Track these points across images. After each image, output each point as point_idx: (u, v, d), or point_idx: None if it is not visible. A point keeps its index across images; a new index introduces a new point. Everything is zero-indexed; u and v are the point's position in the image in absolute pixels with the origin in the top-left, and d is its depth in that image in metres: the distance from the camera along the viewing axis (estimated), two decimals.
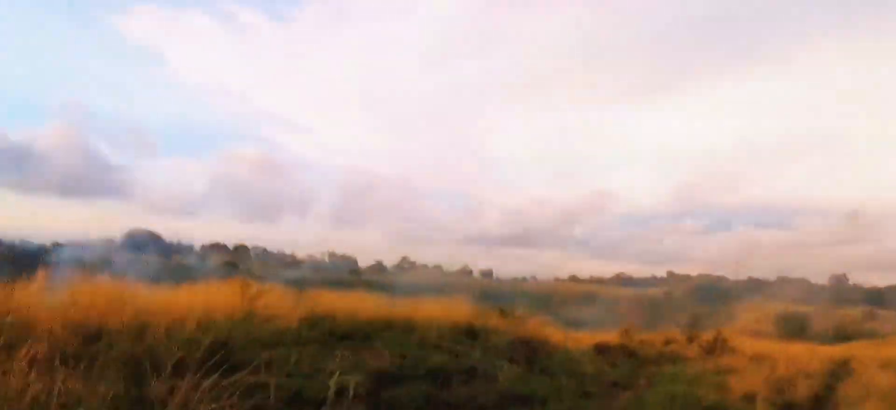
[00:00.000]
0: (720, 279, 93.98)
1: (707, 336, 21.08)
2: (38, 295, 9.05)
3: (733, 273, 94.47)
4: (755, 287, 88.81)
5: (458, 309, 13.28)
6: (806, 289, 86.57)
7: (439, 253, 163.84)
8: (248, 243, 76.04)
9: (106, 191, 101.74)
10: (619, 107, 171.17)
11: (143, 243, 54.36)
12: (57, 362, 5.82)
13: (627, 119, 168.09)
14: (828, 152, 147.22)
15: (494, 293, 68.76)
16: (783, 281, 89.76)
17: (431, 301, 13.88)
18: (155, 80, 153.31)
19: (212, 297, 9.66)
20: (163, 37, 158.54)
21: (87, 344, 6.94)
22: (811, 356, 16.19)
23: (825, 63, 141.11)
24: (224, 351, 7.00)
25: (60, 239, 59.26)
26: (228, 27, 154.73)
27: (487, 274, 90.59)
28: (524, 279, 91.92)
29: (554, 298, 75.59)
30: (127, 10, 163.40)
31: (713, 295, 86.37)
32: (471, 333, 11.72)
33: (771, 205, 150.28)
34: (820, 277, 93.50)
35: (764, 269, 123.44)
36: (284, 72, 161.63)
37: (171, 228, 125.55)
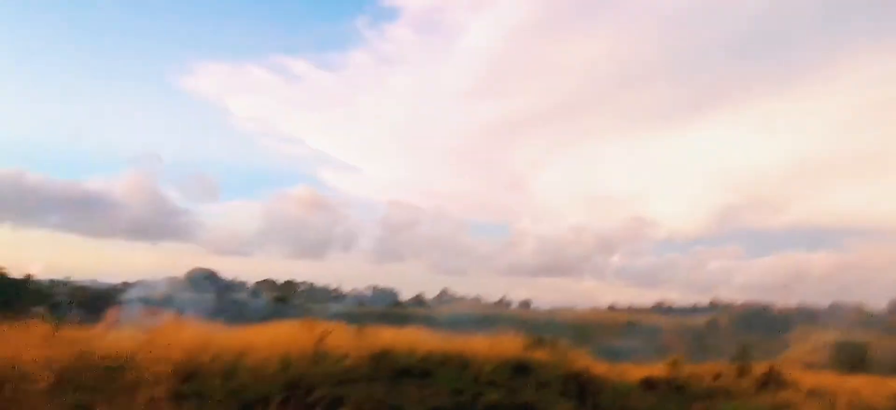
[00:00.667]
0: (768, 306, 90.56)
1: (759, 368, 20.53)
2: (129, 336, 9.93)
3: (782, 299, 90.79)
4: (806, 314, 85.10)
5: (508, 344, 13.66)
6: (862, 316, 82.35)
7: (478, 284, 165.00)
8: (297, 278, 78.91)
9: (171, 234, 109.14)
10: (656, 131, 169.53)
11: (202, 281, 56.79)
12: (167, 401, 6.56)
13: (665, 142, 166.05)
14: (880, 169, 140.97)
15: (533, 323, 68.27)
16: (837, 308, 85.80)
17: (481, 336, 14.26)
18: (217, 129, 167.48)
19: (282, 337, 10.37)
20: (224, 90, 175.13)
21: (183, 382, 7.67)
22: (874, 390, 15.66)
23: (875, 77, 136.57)
24: (303, 389, 7.65)
25: (129, 280, 62.67)
26: (282, 77, 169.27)
27: (525, 304, 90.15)
28: (562, 309, 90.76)
29: (593, 328, 74.37)
30: (193, 68, 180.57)
31: (760, 323, 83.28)
32: (522, 368, 12.07)
33: (820, 227, 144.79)
34: (877, 302, 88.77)
35: (815, 295, 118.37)
36: (333, 115, 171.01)
37: (229, 266, 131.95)
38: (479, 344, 13.39)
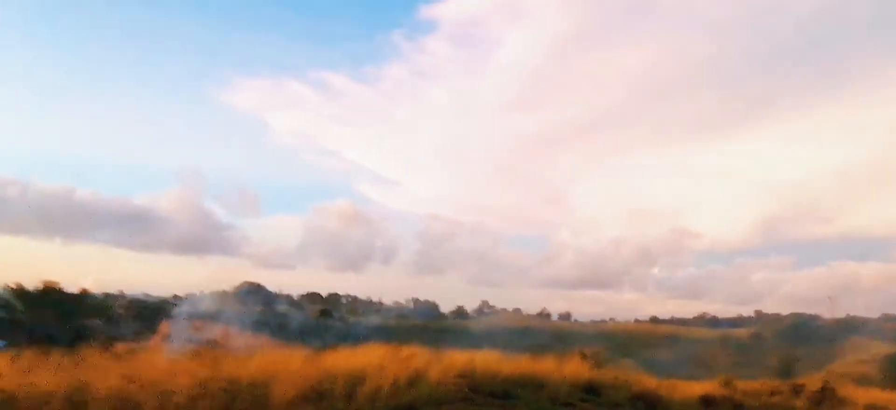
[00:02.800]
0: (814, 318, 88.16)
1: (812, 383, 20.63)
2: (233, 359, 11.12)
3: (829, 311, 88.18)
4: (855, 326, 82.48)
5: (576, 364, 14.45)
6: None
7: (517, 296, 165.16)
8: (340, 291, 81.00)
9: (217, 248, 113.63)
10: (697, 142, 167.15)
11: (249, 295, 59.03)
12: None
13: (707, 153, 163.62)
14: None
15: (575, 336, 68.32)
16: (887, 319, 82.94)
17: (549, 356, 15.10)
18: (259, 144, 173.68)
19: (374, 360, 11.44)
20: (264, 105, 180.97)
21: (304, 405, 8.75)
22: None
23: None
24: None
25: (178, 293, 65.61)
26: (321, 92, 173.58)
27: (565, 316, 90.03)
28: (603, 321, 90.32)
29: (635, 341, 73.89)
30: (233, 84, 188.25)
31: (807, 336, 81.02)
32: (592, 389, 12.87)
33: (868, 237, 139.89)
34: None
35: (864, 307, 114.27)
36: (372, 129, 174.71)
37: (273, 279, 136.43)
38: (548, 365, 14.20)
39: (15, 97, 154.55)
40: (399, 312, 74.20)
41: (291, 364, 10.84)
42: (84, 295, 53.10)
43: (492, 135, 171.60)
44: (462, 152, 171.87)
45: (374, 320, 58.56)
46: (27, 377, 7.69)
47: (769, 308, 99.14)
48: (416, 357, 12.16)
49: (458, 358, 13.79)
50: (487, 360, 13.81)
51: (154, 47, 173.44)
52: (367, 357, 12.33)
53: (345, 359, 11.69)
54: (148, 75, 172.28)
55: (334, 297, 72.63)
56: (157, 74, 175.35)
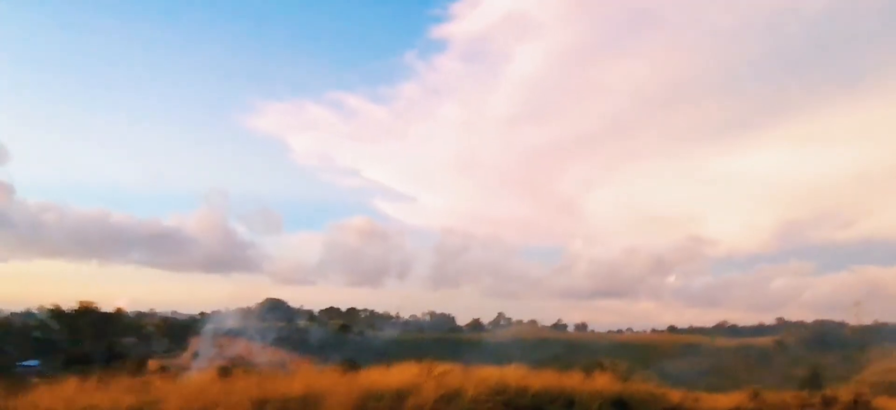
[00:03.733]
0: (839, 325, 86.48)
1: (844, 395, 20.30)
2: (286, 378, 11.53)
3: (854, 317, 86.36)
4: (882, 332, 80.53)
5: (604, 378, 14.65)
6: None
7: (532, 307, 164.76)
8: (358, 306, 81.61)
9: (241, 266, 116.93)
10: (707, 148, 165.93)
11: (271, 311, 60.00)
12: None
13: (718, 159, 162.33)
14: None
15: (592, 347, 67.84)
16: None
17: (577, 369, 15.30)
18: (280, 165, 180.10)
19: (408, 377, 11.79)
20: (285, 127, 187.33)
21: None
22: None
23: None
24: None
25: (205, 310, 67.01)
26: (338, 113, 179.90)
27: (582, 327, 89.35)
28: (620, 331, 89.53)
29: (654, 351, 73.01)
30: (256, 108, 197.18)
31: (832, 343, 79.53)
32: (621, 403, 13.06)
33: (891, 240, 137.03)
34: None
35: (890, 312, 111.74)
36: (387, 147, 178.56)
37: (294, 295, 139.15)
38: (576, 379, 14.43)
39: (52, 127, 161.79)
40: (416, 325, 74.53)
41: (329, 381, 11.25)
42: (118, 314, 54.56)
43: (504, 148, 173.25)
44: (475, 166, 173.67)
45: (392, 333, 58.89)
46: (92, 399, 8.18)
47: (791, 315, 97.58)
48: (451, 373, 12.46)
49: (487, 374, 14.08)
50: (516, 375, 14.08)
51: (182, 77, 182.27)
52: (401, 375, 12.67)
53: (380, 377, 12.03)
54: (177, 104, 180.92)
55: (353, 312, 73.18)
56: (184, 102, 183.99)
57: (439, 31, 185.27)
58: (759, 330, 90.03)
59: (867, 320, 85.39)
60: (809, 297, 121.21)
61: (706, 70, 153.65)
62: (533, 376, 14.53)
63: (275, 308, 61.58)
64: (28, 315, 64.46)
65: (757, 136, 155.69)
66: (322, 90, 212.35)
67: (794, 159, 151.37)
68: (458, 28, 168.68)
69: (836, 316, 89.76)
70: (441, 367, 12.43)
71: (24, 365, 46.00)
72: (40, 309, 49.64)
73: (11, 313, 73.38)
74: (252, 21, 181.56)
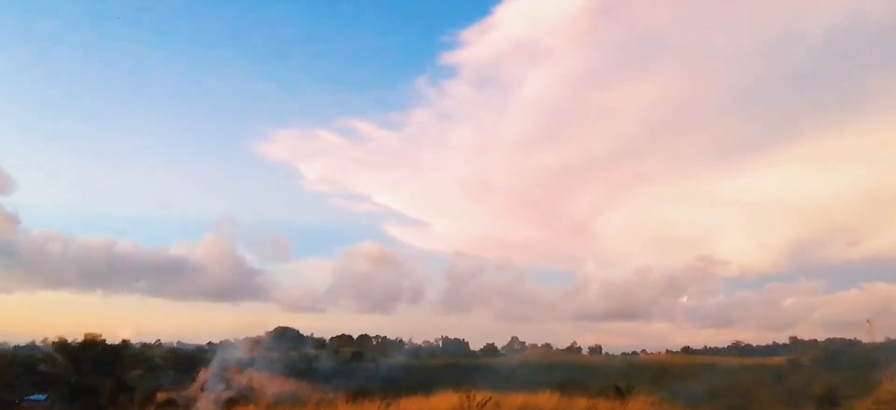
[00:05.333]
0: (852, 342, 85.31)
1: None
2: None
3: (869, 335, 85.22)
4: (894, 349, 79.40)
5: (637, 405, 14.39)
6: None
7: (546, 331, 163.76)
8: (369, 332, 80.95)
9: (250, 294, 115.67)
10: (715, 169, 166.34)
11: (281, 339, 59.38)
12: None
13: (726, 180, 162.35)
14: None
15: (606, 370, 66.90)
16: None
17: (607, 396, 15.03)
18: (290, 191, 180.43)
19: (447, 404, 11.54)
20: (296, 154, 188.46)
21: None
22: None
23: None
24: None
25: (213, 340, 66.27)
26: (349, 139, 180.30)
27: (596, 349, 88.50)
28: (635, 353, 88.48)
29: (668, 372, 71.95)
30: (268, 135, 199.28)
31: (846, 361, 78.34)
32: None
33: None
34: None
35: None
36: (398, 173, 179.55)
37: (304, 323, 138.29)
38: (609, 406, 14.16)
39: (57, 154, 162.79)
40: (429, 351, 73.70)
41: None
42: (124, 346, 53.83)
43: (514, 172, 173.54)
44: (486, 190, 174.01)
45: (404, 360, 58.24)
46: None
47: (803, 334, 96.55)
48: (491, 401, 12.22)
49: (517, 401, 13.84)
50: (551, 402, 13.83)
51: (192, 105, 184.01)
52: (440, 403, 12.49)
53: (418, 406, 11.81)
54: (187, 131, 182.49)
55: (364, 338, 72.53)
56: (196, 130, 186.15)
57: (450, 58, 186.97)
58: (773, 349, 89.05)
59: (879, 337, 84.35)
60: (821, 315, 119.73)
61: (714, 93, 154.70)
62: (566, 402, 14.28)
63: (284, 336, 61.05)
64: (33, 347, 63.95)
65: (765, 158, 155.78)
66: (333, 117, 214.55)
67: (802, 179, 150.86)
68: (469, 54, 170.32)
69: (848, 334, 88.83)
70: (481, 395, 12.19)
71: (30, 400, 45.37)
72: (45, 342, 49.01)
73: (16, 346, 72.87)
74: (262, 48, 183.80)
